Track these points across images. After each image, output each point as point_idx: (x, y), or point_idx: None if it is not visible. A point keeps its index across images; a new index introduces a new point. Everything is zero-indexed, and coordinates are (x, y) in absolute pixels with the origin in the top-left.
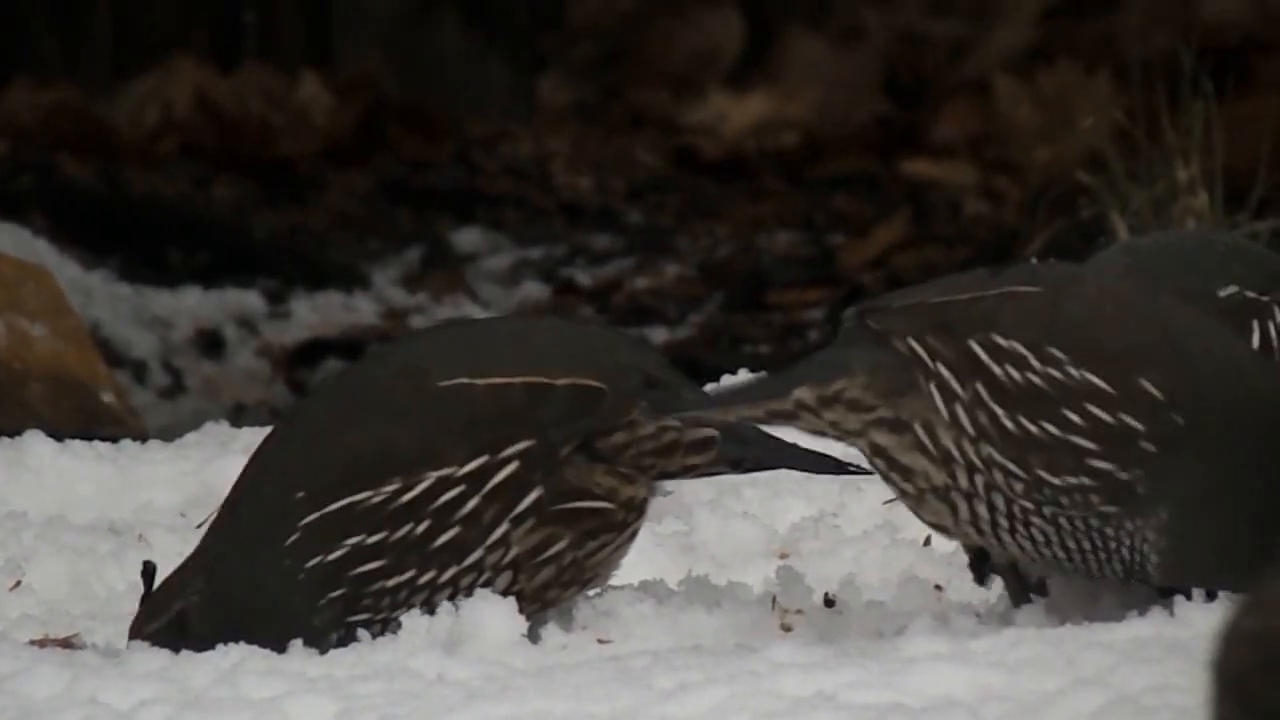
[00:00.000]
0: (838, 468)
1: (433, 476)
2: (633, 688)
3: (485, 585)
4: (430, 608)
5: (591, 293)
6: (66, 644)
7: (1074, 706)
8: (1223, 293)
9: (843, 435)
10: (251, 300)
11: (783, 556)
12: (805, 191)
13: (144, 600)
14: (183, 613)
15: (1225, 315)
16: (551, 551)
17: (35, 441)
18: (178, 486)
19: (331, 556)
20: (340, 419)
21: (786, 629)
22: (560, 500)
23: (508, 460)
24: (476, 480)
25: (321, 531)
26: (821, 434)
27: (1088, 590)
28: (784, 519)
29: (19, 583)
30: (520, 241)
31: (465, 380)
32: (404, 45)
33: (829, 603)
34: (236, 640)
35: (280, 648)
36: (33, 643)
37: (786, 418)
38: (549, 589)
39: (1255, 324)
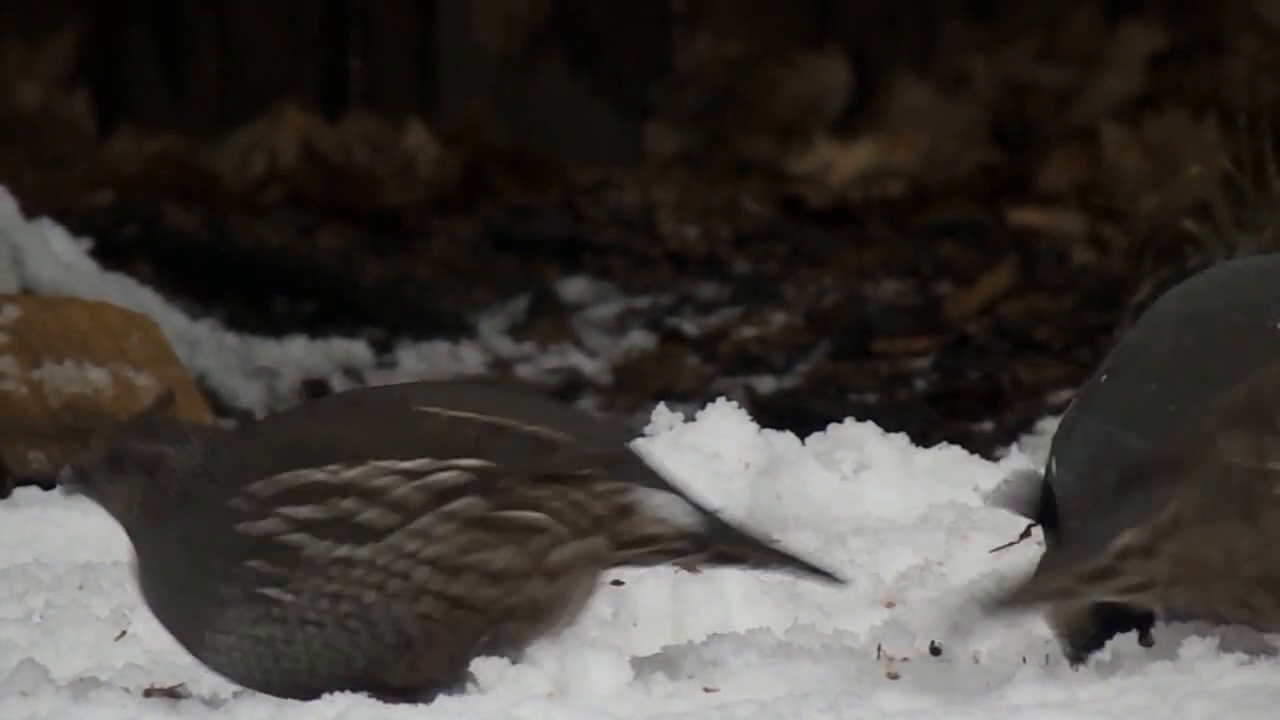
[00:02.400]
0: (813, 570)
1: (372, 464)
2: None
3: (403, 575)
4: (345, 583)
5: (698, 341)
6: (172, 693)
7: None
8: None
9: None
10: (358, 350)
11: (889, 605)
12: (912, 240)
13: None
14: (139, 456)
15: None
16: (477, 557)
17: None
18: None
19: (258, 524)
20: (308, 420)
21: (893, 677)
22: (499, 509)
23: (450, 468)
24: (414, 474)
25: (255, 499)
26: (1140, 589)
27: (1194, 638)
28: (890, 567)
29: (124, 632)
30: (627, 290)
31: (435, 410)
32: (510, 93)
33: (935, 651)
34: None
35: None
36: (140, 691)
37: (1104, 576)
38: (481, 603)
39: None
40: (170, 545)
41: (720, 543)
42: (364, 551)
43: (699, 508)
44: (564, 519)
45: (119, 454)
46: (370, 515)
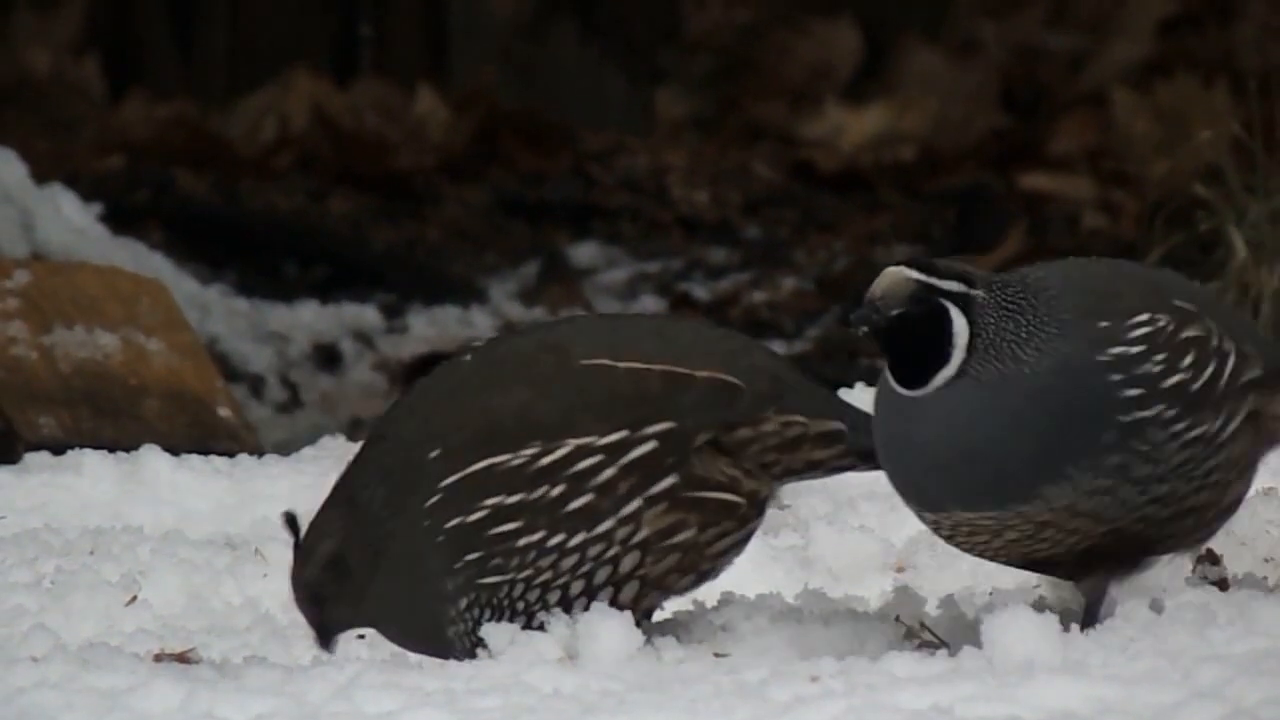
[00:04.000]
0: None
1: (571, 444)
2: (749, 701)
3: (613, 561)
4: (556, 573)
5: (708, 306)
6: (183, 658)
7: None
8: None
9: None
10: (368, 314)
11: (899, 570)
12: (922, 204)
13: (296, 549)
14: (338, 555)
15: None
16: (679, 538)
17: (152, 456)
18: (294, 501)
19: (471, 518)
20: (480, 385)
21: (914, 640)
22: (692, 488)
23: (646, 439)
24: (614, 452)
25: (461, 493)
26: None
27: (1205, 603)
28: (900, 532)
29: (135, 597)
30: (637, 255)
31: (606, 361)
32: (520, 58)
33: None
34: (384, 588)
35: (410, 630)
36: (150, 657)
37: None
38: (670, 574)
39: None
40: (383, 561)
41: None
42: (577, 539)
43: (856, 421)
44: (744, 489)
45: None
46: (581, 503)
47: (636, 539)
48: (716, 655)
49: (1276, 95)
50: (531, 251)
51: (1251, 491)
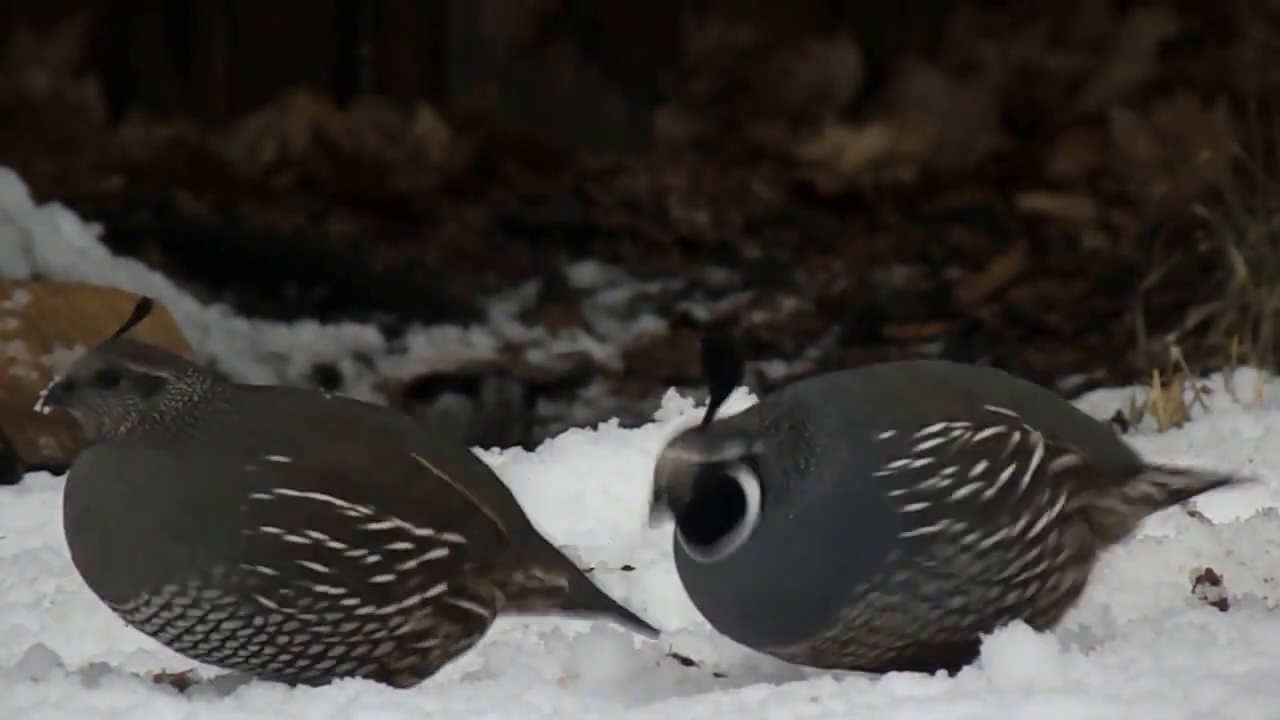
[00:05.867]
0: (643, 627)
1: (395, 523)
2: None
3: (372, 644)
4: (326, 626)
5: (708, 326)
6: (183, 678)
7: None
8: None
9: None
10: (368, 335)
11: None
12: (922, 225)
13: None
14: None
15: None
16: (426, 643)
17: None
18: None
19: (288, 538)
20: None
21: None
22: (458, 597)
23: (442, 544)
24: (422, 545)
25: (292, 509)
26: None
27: (1206, 623)
28: None
29: None
30: (637, 275)
31: (427, 464)
32: (520, 79)
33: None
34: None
35: None
36: (150, 677)
37: None
38: (404, 672)
39: None
40: (166, 475)
41: (580, 604)
42: (366, 610)
43: (577, 579)
44: (493, 606)
45: (114, 371)
46: (381, 580)
47: (400, 631)
48: (716, 675)
49: (1276, 116)
50: (531, 272)
51: (1251, 511)
